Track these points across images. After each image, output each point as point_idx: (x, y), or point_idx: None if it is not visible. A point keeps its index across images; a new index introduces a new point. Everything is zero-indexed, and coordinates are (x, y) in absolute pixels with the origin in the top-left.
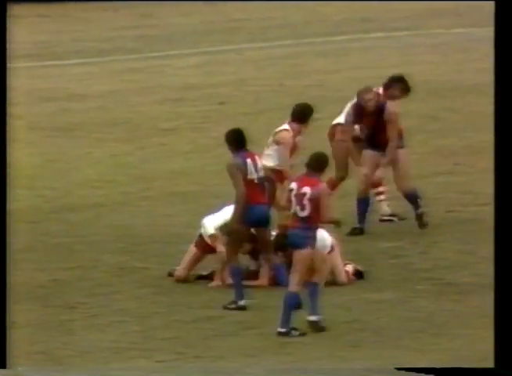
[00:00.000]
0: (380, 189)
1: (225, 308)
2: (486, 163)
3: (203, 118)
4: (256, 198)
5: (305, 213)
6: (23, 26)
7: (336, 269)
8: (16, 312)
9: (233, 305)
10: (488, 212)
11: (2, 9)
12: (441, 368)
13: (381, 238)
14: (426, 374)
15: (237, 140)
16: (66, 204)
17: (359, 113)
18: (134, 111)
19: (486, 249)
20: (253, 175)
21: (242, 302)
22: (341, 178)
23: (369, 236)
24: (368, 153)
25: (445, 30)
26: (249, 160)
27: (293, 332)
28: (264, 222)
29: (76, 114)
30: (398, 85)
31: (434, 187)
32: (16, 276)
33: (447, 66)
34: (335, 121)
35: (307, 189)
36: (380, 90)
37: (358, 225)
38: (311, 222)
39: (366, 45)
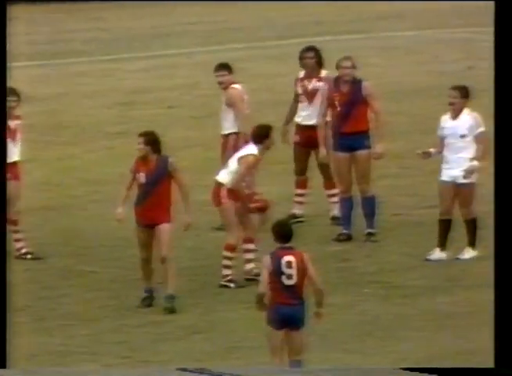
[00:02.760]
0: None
1: None
2: (433, 166)
3: (153, 122)
4: None
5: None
6: None
7: None
8: None
9: None
10: (434, 215)
11: (2, 9)
12: (445, 368)
13: (329, 241)
14: (429, 374)
15: None
16: None
17: (335, 89)
18: (83, 114)
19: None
20: None
21: None
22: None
23: (316, 239)
24: (338, 156)
25: (393, 33)
26: None
27: None
28: None
29: (25, 117)
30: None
31: (381, 190)
32: None
33: (395, 69)
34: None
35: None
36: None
37: (344, 231)
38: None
39: None
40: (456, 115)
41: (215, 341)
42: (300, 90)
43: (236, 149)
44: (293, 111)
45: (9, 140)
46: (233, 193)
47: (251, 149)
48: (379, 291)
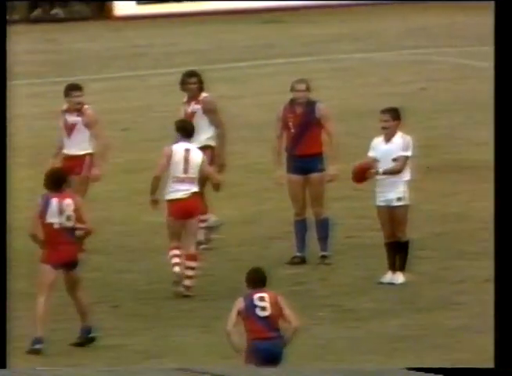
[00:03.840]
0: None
1: None
2: None
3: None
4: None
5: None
6: None
7: None
8: None
9: None
10: None
11: (2, 13)
12: (451, 368)
13: (282, 265)
14: (435, 374)
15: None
16: None
17: (290, 111)
18: (38, 136)
19: (384, 274)
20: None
21: None
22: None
23: (270, 262)
24: (291, 178)
25: (344, 56)
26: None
27: None
28: None
29: None
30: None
31: (334, 213)
32: None
33: (347, 91)
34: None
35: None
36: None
37: (297, 254)
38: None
39: (269, 71)
40: (389, 138)
41: (170, 366)
42: (183, 114)
43: (90, 169)
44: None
45: None
46: None
47: (196, 151)
48: (332, 314)
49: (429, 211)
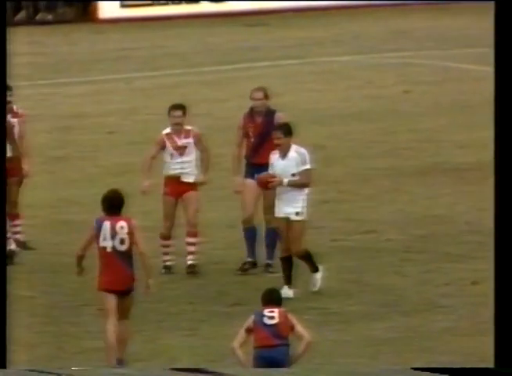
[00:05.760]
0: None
1: None
2: (370, 190)
3: (92, 147)
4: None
5: None
6: None
7: None
8: None
9: None
10: (371, 240)
11: (2, 13)
12: (456, 368)
13: (264, 268)
14: (441, 373)
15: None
16: None
17: (249, 120)
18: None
19: (370, 277)
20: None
21: None
22: None
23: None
24: (248, 183)
25: (329, 58)
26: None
27: None
28: None
29: None
30: None
31: (319, 216)
32: None
33: (331, 94)
34: None
35: None
36: None
37: (248, 259)
38: None
39: (253, 74)
40: (284, 154)
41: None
42: None
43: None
44: None
45: None
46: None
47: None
48: (317, 317)
49: (413, 213)
